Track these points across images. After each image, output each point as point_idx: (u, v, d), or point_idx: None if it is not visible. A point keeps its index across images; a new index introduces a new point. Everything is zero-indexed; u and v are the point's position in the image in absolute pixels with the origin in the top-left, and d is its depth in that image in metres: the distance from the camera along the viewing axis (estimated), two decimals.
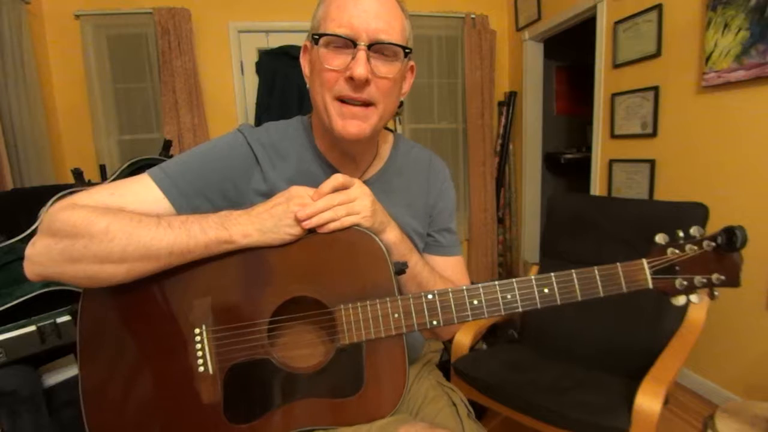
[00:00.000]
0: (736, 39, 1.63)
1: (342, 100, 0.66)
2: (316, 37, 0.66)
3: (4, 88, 2.15)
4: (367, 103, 0.67)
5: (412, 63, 0.75)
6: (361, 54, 0.63)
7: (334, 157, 0.76)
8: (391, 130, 0.86)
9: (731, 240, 0.58)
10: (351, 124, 0.67)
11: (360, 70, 0.63)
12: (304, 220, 0.60)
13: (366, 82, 0.65)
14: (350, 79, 0.64)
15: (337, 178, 0.63)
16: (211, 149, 0.71)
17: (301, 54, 0.74)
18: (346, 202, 0.62)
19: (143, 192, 0.64)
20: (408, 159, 0.83)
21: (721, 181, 1.76)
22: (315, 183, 0.64)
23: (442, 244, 0.85)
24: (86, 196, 0.62)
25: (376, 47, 0.65)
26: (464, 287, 0.62)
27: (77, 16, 2.58)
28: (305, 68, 0.74)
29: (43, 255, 0.58)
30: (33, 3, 2.42)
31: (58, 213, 0.59)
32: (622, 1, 2.19)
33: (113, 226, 0.57)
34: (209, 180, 0.68)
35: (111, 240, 0.57)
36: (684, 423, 1.72)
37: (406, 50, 0.68)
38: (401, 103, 0.82)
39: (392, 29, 0.66)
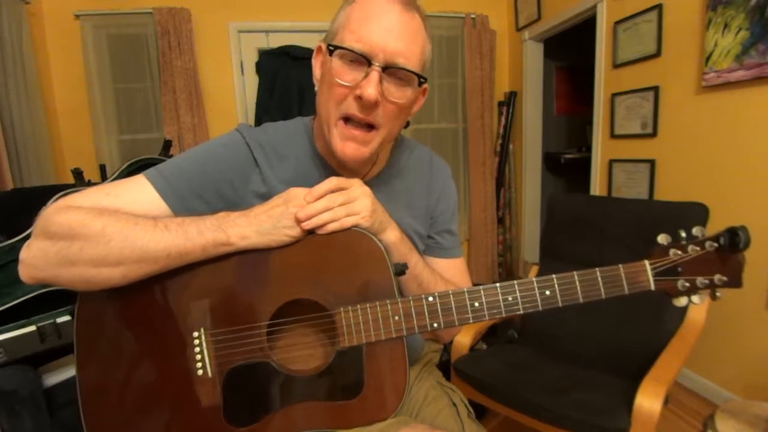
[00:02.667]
0: (736, 39, 1.63)
1: (346, 119, 0.65)
2: (331, 48, 0.64)
3: (4, 88, 2.15)
4: (370, 126, 0.66)
5: (425, 86, 0.71)
6: (374, 75, 0.61)
7: (334, 160, 0.74)
8: None
9: (734, 241, 0.57)
10: (349, 146, 0.66)
11: (370, 90, 0.61)
12: (304, 221, 0.60)
13: (375, 104, 0.63)
14: (359, 98, 0.62)
15: (332, 181, 0.63)
16: (208, 150, 0.70)
17: (314, 54, 0.72)
18: (346, 203, 0.62)
19: (139, 193, 0.64)
20: (409, 160, 0.83)
21: (722, 181, 1.76)
22: (314, 185, 0.63)
23: (443, 246, 0.85)
24: (81, 198, 0.61)
25: (390, 71, 0.63)
26: (465, 289, 0.62)
27: (77, 16, 2.57)
28: (316, 70, 0.71)
29: (39, 258, 0.57)
30: (33, 3, 2.42)
31: (53, 215, 0.58)
32: (622, 1, 2.19)
33: (109, 228, 0.57)
34: (206, 181, 0.67)
35: (107, 242, 0.56)
36: (684, 423, 1.72)
37: (421, 79, 0.66)
38: (408, 123, 0.81)
39: (411, 54, 0.63)
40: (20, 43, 2.24)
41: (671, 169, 2.01)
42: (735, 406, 1.19)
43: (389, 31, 0.61)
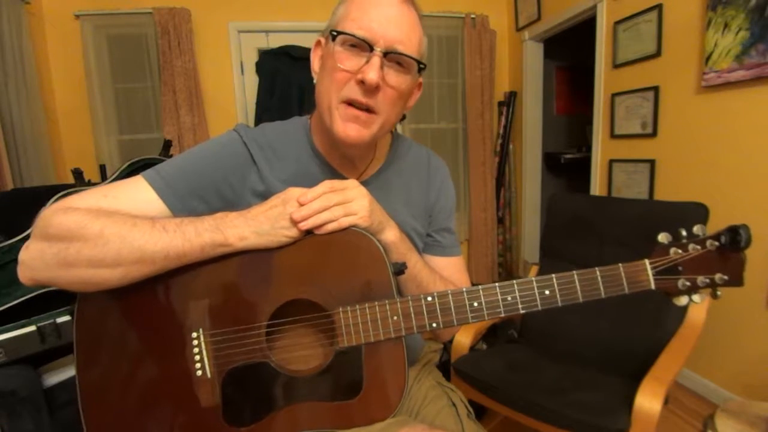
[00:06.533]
0: (736, 39, 1.63)
1: (348, 103, 0.66)
2: (334, 33, 0.65)
3: (4, 88, 2.15)
4: (371, 110, 0.67)
5: (420, 80, 0.74)
6: (376, 59, 0.63)
7: (333, 157, 0.75)
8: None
9: (735, 239, 0.57)
10: (352, 128, 0.66)
11: (372, 74, 0.62)
12: (301, 222, 0.60)
13: (376, 89, 0.64)
14: (361, 83, 0.64)
15: (326, 185, 0.62)
16: (206, 149, 0.71)
17: (312, 48, 0.73)
18: (343, 203, 0.61)
19: (137, 194, 0.64)
20: (407, 158, 0.83)
21: (721, 181, 1.76)
22: (313, 183, 0.63)
23: (441, 245, 0.85)
24: (79, 199, 0.61)
25: (391, 56, 0.65)
26: (464, 289, 0.61)
27: (77, 16, 2.58)
28: (315, 63, 0.73)
29: (37, 259, 0.57)
30: (33, 3, 2.42)
31: (51, 217, 0.57)
32: (622, 1, 2.19)
33: (107, 229, 0.56)
34: (204, 180, 0.67)
35: (105, 244, 0.56)
36: (684, 423, 1.72)
37: (420, 65, 0.68)
38: (404, 116, 0.82)
39: (410, 41, 0.66)
40: (20, 43, 2.24)
41: (671, 169, 2.01)
42: (735, 406, 1.19)
43: (389, 20, 0.64)
